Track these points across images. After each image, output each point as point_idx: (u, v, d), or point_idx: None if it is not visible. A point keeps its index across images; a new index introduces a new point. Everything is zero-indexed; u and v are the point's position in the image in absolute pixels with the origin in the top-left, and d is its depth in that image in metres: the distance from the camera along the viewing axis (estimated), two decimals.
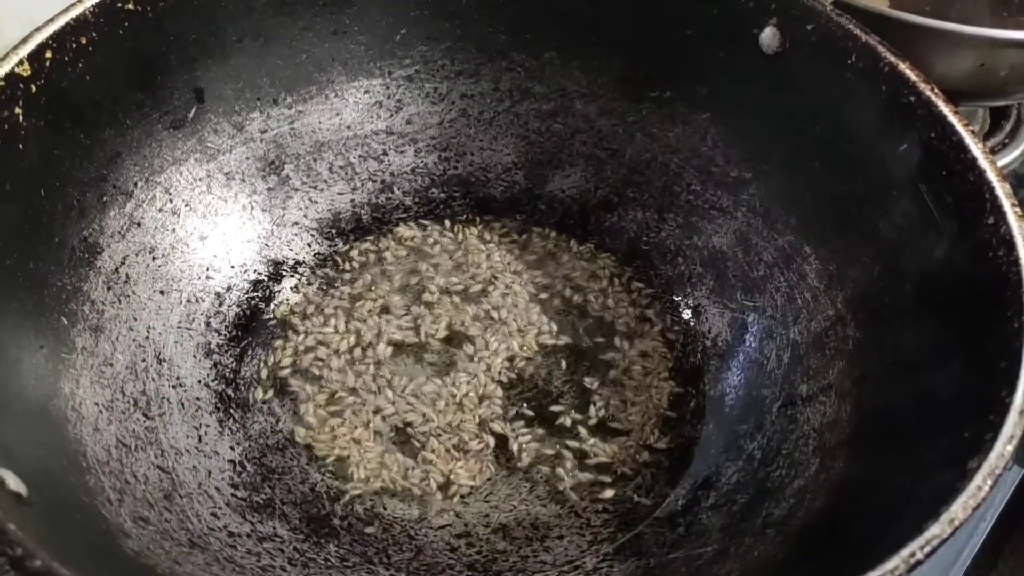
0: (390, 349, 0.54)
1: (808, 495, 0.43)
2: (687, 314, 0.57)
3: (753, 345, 0.53)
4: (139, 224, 0.50)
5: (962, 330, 0.41)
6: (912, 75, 0.45)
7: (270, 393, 0.52)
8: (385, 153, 0.59)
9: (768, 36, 0.50)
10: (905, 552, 0.31)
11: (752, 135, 0.54)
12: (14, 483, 0.33)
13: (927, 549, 0.31)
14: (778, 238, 0.53)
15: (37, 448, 0.38)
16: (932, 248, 0.43)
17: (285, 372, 0.53)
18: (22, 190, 0.42)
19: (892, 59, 0.46)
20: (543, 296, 0.57)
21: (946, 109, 0.44)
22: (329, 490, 0.48)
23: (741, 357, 0.53)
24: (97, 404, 0.44)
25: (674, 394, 0.53)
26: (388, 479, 0.49)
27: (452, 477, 0.49)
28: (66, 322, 0.44)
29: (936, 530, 0.32)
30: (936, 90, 0.44)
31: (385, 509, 0.48)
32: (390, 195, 0.60)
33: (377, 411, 0.51)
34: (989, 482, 0.33)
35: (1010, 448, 0.33)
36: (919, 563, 0.31)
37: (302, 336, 0.54)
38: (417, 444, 0.50)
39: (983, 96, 0.63)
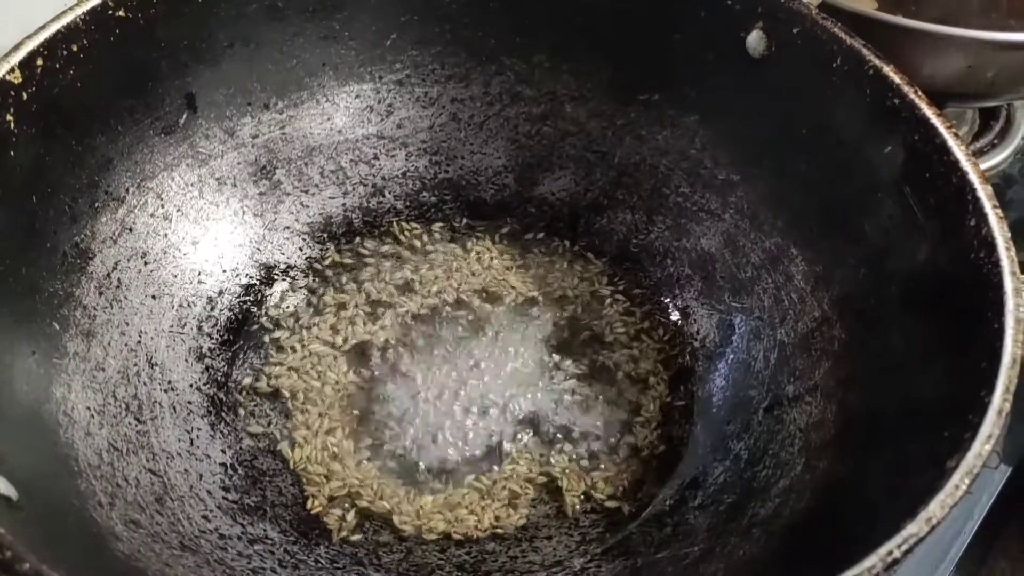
0: (381, 354, 0.54)
1: (793, 495, 0.43)
2: (676, 315, 0.57)
3: (740, 346, 0.53)
4: (131, 229, 0.50)
5: (945, 331, 0.41)
6: (896, 78, 0.45)
7: (261, 397, 0.52)
8: (376, 157, 0.60)
9: (755, 39, 0.50)
10: (883, 550, 0.31)
11: (740, 138, 0.54)
12: (4, 487, 0.33)
13: (904, 547, 0.32)
14: (765, 240, 0.53)
15: (28, 452, 0.39)
16: (916, 250, 0.44)
17: (276, 375, 0.53)
18: (14, 196, 0.42)
19: (877, 62, 0.46)
20: (533, 298, 0.58)
21: (930, 112, 0.44)
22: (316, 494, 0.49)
23: (729, 358, 0.53)
24: (89, 408, 0.44)
25: (663, 395, 0.54)
26: (376, 497, 0.49)
27: (441, 498, 0.49)
28: (58, 327, 0.45)
29: (913, 529, 0.32)
30: (920, 93, 0.45)
31: (374, 511, 0.48)
32: (381, 199, 0.60)
33: (367, 419, 0.52)
34: (967, 481, 0.33)
35: (988, 448, 0.34)
36: (896, 561, 0.31)
37: (293, 340, 0.55)
38: (407, 455, 0.51)
39: (971, 97, 0.63)
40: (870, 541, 0.33)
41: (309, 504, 0.48)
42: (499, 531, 0.48)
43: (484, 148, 0.61)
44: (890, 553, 0.31)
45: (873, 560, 0.31)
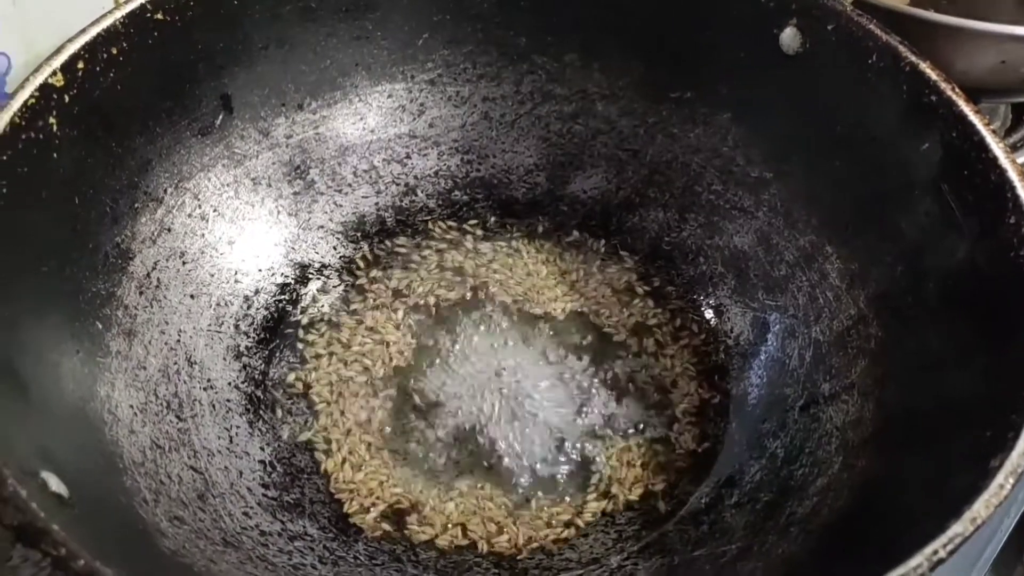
0: (414, 354, 0.55)
1: (831, 493, 0.43)
2: (709, 314, 0.57)
3: (775, 344, 0.53)
4: (169, 230, 0.51)
5: (984, 329, 0.41)
6: (933, 75, 0.45)
7: (297, 396, 0.53)
8: (408, 156, 0.60)
9: (789, 36, 0.50)
10: (928, 550, 0.31)
11: (773, 135, 0.54)
12: (56, 485, 0.34)
13: (950, 547, 0.32)
14: (799, 238, 0.53)
15: (76, 450, 0.39)
16: (954, 247, 0.44)
17: (312, 375, 0.53)
18: (57, 198, 0.43)
19: (913, 59, 0.46)
20: (566, 297, 0.58)
21: (967, 108, 0.44)
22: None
23: (763, 356, 0.53)
24: (132, 406, 0.45)
25: (698, 393, 0.54)
26: (413, 509, 0.49)
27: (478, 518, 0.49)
28: (101, 327, 0.45)
29: (958, 528, 0.32)
30: (957, 89, 0.44)
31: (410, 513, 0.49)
32: (414, 198, 0.61)
33: (401, 421, 0.52)
34: (1011, 481, 0.33)
35: None
36: (942, 561, 0.31)
37: (328, 339, 0.55)
38: (442, 462, 0.51)
39: (1004, 92, 0.63)
40: (910, 540, 0.33)
41: (346, 507, 0.48)
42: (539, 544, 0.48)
43: (515, 147, 0.61)
44: (935, 553, 0.31)
45: (919, 559, 0.31)
